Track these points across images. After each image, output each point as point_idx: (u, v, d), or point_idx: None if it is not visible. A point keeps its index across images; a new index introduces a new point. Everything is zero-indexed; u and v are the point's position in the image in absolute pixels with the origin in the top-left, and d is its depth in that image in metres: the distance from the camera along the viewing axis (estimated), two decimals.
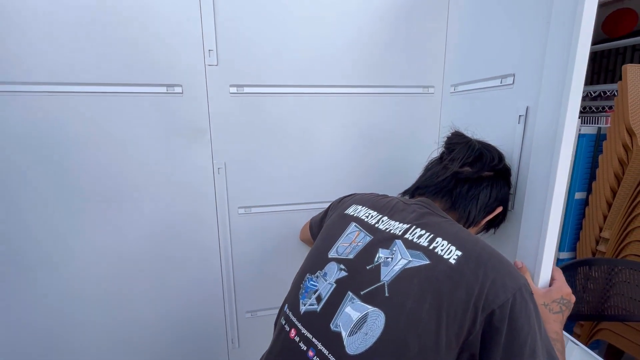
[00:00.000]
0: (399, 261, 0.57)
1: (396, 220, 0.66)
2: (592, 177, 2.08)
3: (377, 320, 0.53)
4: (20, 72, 0.88)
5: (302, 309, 0.61)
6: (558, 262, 1.59)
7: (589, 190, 2.12)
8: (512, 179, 0.81)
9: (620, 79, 1.77)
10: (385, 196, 0.80)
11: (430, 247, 0.57)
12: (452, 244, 0.56)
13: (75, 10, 0.87)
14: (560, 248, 2.20)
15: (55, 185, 0.96)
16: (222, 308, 1.17)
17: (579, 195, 2.17)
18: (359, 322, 0.53)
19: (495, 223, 0.83)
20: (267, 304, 1.20)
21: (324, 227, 0.80)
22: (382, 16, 1.04)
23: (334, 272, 0.62)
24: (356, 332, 0.53)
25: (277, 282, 1.18)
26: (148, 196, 1.02)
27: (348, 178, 1.13)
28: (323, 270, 0.64)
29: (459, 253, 0.54)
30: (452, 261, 0.54)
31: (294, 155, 1.09)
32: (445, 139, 0.80)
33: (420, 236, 0.60)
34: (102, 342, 1.10)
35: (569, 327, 1.99)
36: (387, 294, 0.54)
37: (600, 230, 1.92)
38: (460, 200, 0.73)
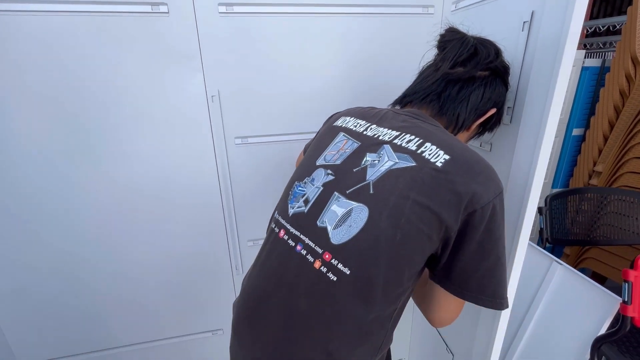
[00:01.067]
0: (385, 163, 0.58)
1: (385, 127, 0.65)
2: (592, 113, 2.06)
3: (360, 213, 0.55)
4: None
5: (291, 211, 0.63)
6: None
7: (586, 127, 2.11)
8: (512, 92, 0.79)
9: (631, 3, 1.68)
10: (374, 108, 0.76)
11: (418, 152, 0.57)
12: (441, 149, 0.56)
13: None
14: (553, 184, 2.25)
15: (49, 116, 0.94)
16: (224, 237, 1.21)
17: (576, 132, 2.17)
18: (344, 216, 0.56)
19: (489, 126, 0.78)
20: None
21: (314, 140, 0.79)
22: None
23: (321, 177, 0.63)
24: (341, 225, 0.56)
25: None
26: (143, 127, 1.01)
27: (345, 104, 1.11)
28: (311, 177, 0.65)
29: (447, 157, 0.55)
30: (439, 164, 0.55)
31: (290, 81, 1.06)
32: (438, 37, 0.74)
33: (409, 141, 0.60)
34: (109, 277, 1.16)
35: (558, 253, 2.11)
36: (371, 191, 0.56)
37: (594, 164, 1.95)
38: (449, 104, 0.69)
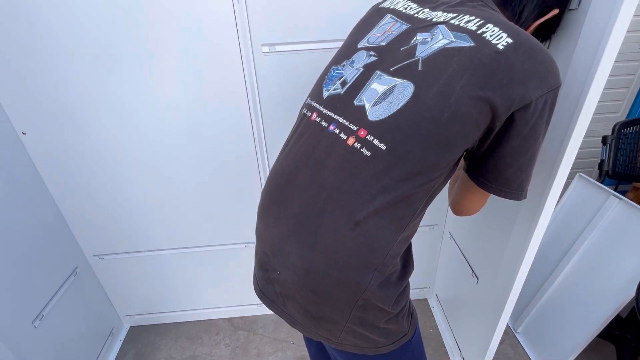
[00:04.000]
0: (439, 40, 0.52)
1: (440, 11, 0.58)
2: None
3: (405, 90, 0.51)
4: None
5: (325, 94, 0.60)
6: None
7: None
8: None
9: None
10: None
11: (479, 32, 0.51)
12: (504, 32, 0.50)
13: None
14: (628, 116, 1.95)
15: (96, 34, 0.95)
16: (252, 146, 1.22)
17: None
18: (385, 93, 0.53)
19: (546, 31, 0.70)
20: None
21: (356, 25, 0.70)
22: None
23: (362, 59, 0.58)
24: (381, 102, 0.52)
25: None
26: (171, 34, 0.99)
27: None
28: (350, 59, 0.60)
29: (510, 40, 0.49)
30: (501, 47, 0.49)
31: None
32: None
33: (468, 21, 0.53)
34: (148, 178, 1.25)
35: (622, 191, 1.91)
36: (420, 68, 0.52)
37: None
38: None
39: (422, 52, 0.53)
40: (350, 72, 0.58)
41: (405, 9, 0.62)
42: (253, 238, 1.42)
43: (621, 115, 1.93)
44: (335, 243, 0.52)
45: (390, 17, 0.62)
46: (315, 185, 0.54)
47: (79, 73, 1.03)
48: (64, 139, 1.14)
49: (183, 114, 1.13)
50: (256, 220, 0.67)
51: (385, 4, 0.66)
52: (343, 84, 0.58)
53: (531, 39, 0.52)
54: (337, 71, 0.61)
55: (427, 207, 0.58)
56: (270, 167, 0.81)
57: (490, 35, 0.50)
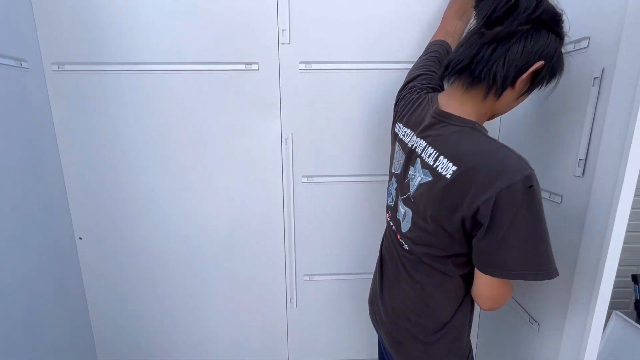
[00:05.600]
0: (417, 178, 0.73)
1: (420, 137, 0.75)
2: None
3: (411, 214, 0.77)
4: (131, 53, 1.08)
5: (388, 202, 0.91)
6: None
7: None
8: (584, 143, 0.77)
9: None
10: (421, 103, 0.80)
11: (434, 166, 0.68)
12: (451, 161, 0.65)
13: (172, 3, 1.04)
14: None
15: (154, 149, 1.15)
16: (282, 269, 1.28)
17: None
18: (405, 215, 0.79)
19: (538, 80, 0.67)
20: (324, 269, 1.28)
21: (391, 135, 0.95)
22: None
23: (394, 183, 0.86)
24: (403, 220, 0.80)
25: (334, 248, 1.26)
26: (226, 164, 1.17)
27: None
28: (391, 181, 0.89)
29: (454, 168, 0.64)
30: (448, 176, 0.64)
31: (355, 127, 1.16)
32: None
33: (429, 155, 0.70)
34: (179, 290, 1.29)
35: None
36: (412, 200, 0.75)
37: None
38: (482, 67, 0.64)
39: (412, 189, 0.75)
40: (392, 190, 0.87)
41: (404, 136, 0.82)
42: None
43: None
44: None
45: (398, 145, 0.85)
46: (391, 269, 0.89)
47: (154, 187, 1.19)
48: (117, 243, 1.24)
49: (222, 229, 1.23)
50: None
51: (396, 129, 0.88)
52: (391, 197, 0.88)
53: (474, 157, 0.63)
54: (390, 188, 0.89)
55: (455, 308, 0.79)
56: None
57: (441, 168, 0.66)
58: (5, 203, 0.97)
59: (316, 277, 1.29)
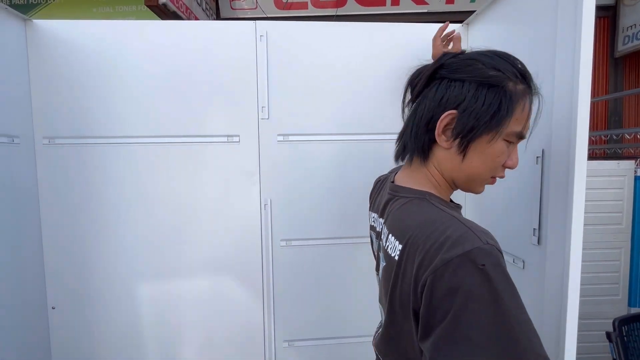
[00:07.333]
0: (382, 265, 0.65)
1: (382, 218, 0.68)
2: None
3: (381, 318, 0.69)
4: (119, 128, 1.16)
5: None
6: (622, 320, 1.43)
7: None
8: (534, 212, 0.84)
9: None
10: (383, 182, 0.78)
11: (387, 248, 0.60)
12: (397, 239, 0.57)
13: (159, 81, 1.15)
14: (630, 302, 1.98)
15: (138, 216, 1.18)
16: (262, 334, 1.25)
17: None
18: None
19: (465, 132, 0.55)
20: (304, 334, 1.27)
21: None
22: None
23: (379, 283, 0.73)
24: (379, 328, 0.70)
25: (314, 311, 1.26)
26: (207, 229, 1.21)
27: None
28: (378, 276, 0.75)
29: (400, 247, 0.55)
30: (396, 257, 0.55)
31: (330, 193, 1.22)
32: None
33: (385, 236, 0.62)
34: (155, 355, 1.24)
35: None
36: (382, 290, 0.66)
37: None
38: (401, 137, 0.66)
39: (380, 274, 0.67)
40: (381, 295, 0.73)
41: (374, 222, 0.74)
42: None
43: (622, 297, 1.95)
44: None
45: (372, 234, 0.77)
46: None
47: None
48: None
49: (202, 290, 1.23)
50: None
51: (369, 219, 0.79)
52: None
53: (415, 231, 0.53)
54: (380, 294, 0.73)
55: None
56: None
57: (391, 249, 0.58)
58: None
59: (297, 343, 1.27)
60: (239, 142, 1.18)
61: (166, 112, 1.16)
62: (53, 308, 1.20)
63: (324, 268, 1.25)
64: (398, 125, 1.18)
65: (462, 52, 0.59)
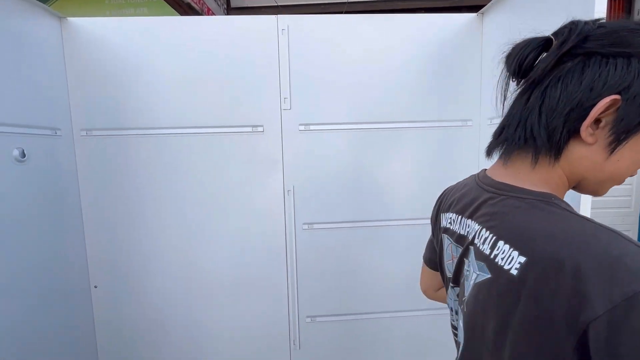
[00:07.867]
0: (472, 275, 0.51)
1: (471, 219, 0.55)
2: None
3: (463, 333, 0.55)
4: (150, 119, 1.24)
5: (451, 321, 0.68)
6: None
7: None
8: None
9: None
10: (466, 183, 0.63)
11: (492, 256, 0.47)
12: (515, 248, 0.45)
13: (186, 75, 1.22)
14: None
15: (169, 204, 1.27)
16: (286, 311, 1.35)
17: None
18: (462, 334, 0.57)
19: (622, 125, 0.44)
20: (325, 310, 1.36)
21: (432, 241, 0.73)
22: (424, 67, 1.24)
23: (451, 293, 0.63)
24: (462, 342, 0.57)
25: (335, 290, 1.35)
26: (233, 213, 1.29)
27: (394, 200, 1.30)
28: (448, 291, 0.65)
29: (522, 259, 0.43)
30: (514, 272, 0.43)
31: (349, 179, 1.29)
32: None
33: (485, 240, 0.50)
34: (186, 334, 1.35)
35: None
36: (465, 310, 0.53)
37: None
38: (517, 126, 0.49)
39: (466, 292, 0.53)
40: (451, 304, 0.64)
41: (451, 224, 0.61)
42: None
43: None
44: None
45: (447, 239, 0.62)
46: None
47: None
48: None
49: (229, 274, 1.33)
50: None
51: (442, 221, 0.65)
52: (453, 316, 0.64)
53: (552, 243, 0.41)
54: (449, 299, 0.64)
55: None
56: None
57: (502, 259, 0.45)
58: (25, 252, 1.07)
59: (318, 319, 1.37)
60: (263, 132, 1.25)
61: (194, 105, 1.23)
62: (95, 287, 1.31)
63: (343, 250, 1.34)
64: (414, 114, 1.25)
65: (598, 20, 0.46)
